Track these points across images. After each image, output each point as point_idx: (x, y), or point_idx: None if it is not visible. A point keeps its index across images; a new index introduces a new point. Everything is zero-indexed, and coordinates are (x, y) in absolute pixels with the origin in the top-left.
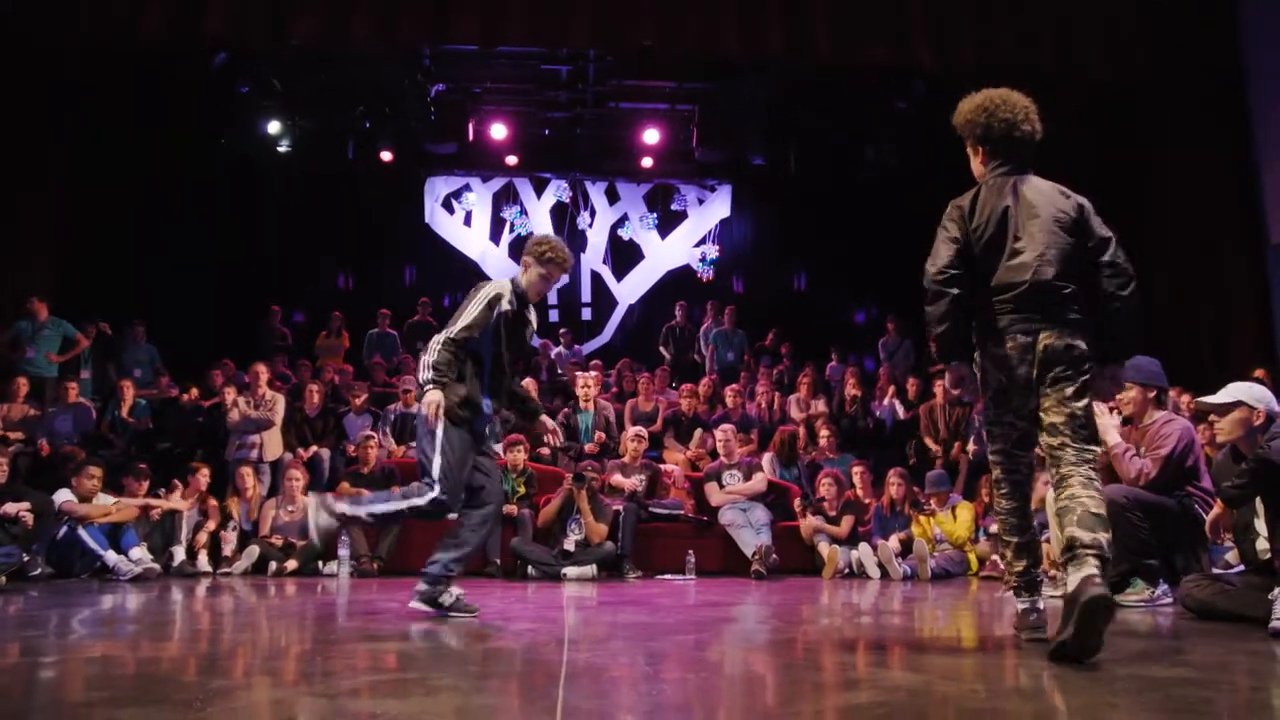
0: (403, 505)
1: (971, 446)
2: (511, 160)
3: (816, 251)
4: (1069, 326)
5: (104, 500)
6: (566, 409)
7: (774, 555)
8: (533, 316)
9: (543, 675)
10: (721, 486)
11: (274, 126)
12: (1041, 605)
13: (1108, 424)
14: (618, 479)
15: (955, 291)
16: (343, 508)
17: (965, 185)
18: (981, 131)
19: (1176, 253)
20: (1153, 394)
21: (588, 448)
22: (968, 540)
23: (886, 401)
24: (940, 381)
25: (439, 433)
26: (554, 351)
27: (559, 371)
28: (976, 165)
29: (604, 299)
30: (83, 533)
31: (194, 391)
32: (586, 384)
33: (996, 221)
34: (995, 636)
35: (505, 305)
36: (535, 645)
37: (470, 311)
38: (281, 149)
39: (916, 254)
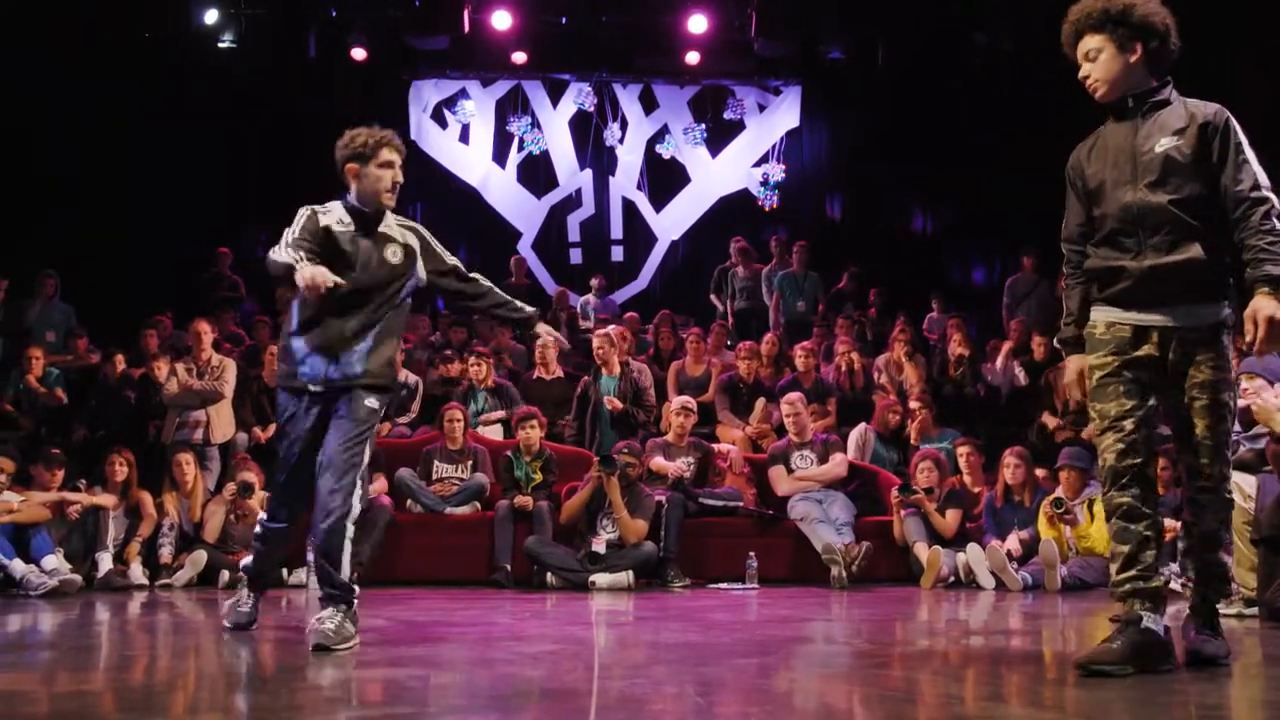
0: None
1: None
2: (519, 58)
3: (911, 169)
4: None
5: (7, 497)
6: (587, 376)
7: (867, 555)
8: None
9: (567, 708)
10: (790, 471)
11: (212, 16)
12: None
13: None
14: (659, 462)
15: None
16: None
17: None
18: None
19: None
20: None
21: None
22: (1108, 544)
23: (1001, 363)
24: None
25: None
26: (578, 301)
27: (584, 327)
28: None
29: (639, 234)
30: None
31: (120, 358)
32: (601, 345)
33: None
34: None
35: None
36: (557, 671)
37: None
38: (223, 45)
39: (1052, 168)
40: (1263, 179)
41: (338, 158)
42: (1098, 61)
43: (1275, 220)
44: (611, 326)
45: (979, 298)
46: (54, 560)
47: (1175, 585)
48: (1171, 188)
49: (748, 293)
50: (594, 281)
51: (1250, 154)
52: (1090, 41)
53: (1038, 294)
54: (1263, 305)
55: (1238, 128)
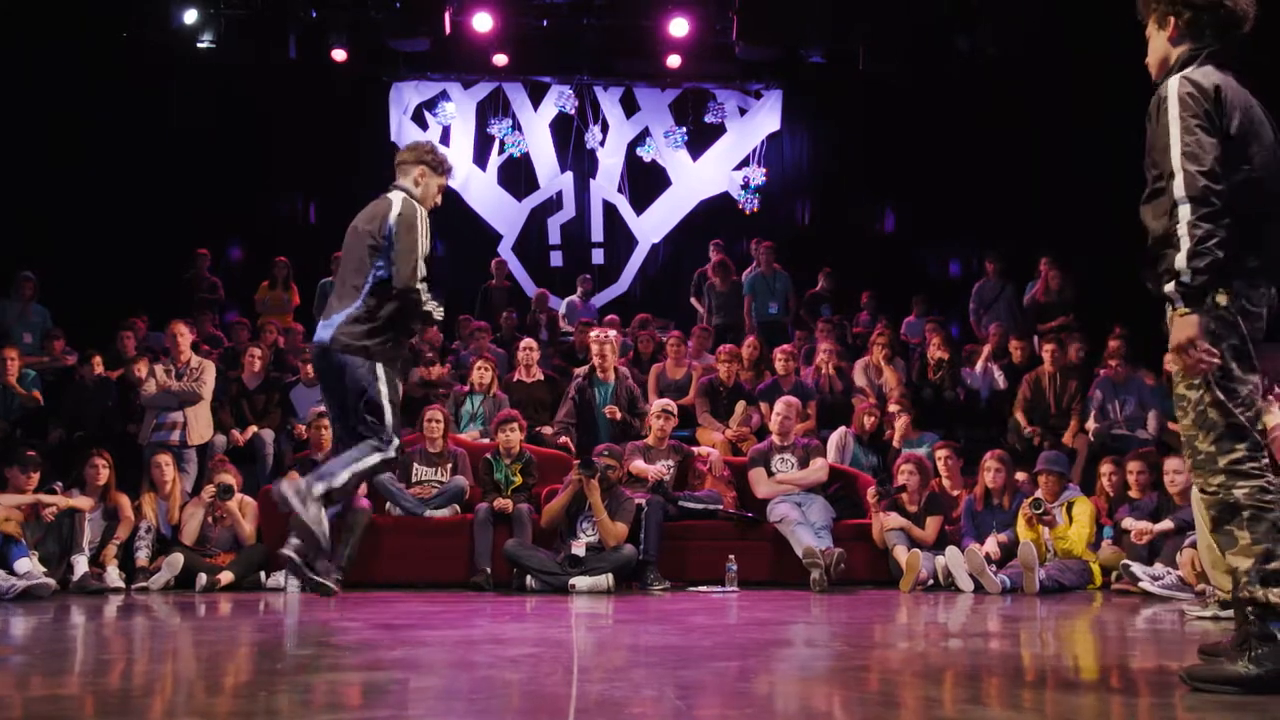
0: (372, 460)
1: (1091, 425)
2: (500, 60)
3: (892, 174)
4: None
5: None
6: (581, 379)
7: (841, 561)
8: None
9: (546, 712)
10: (771, 474)
11: (191, 16)
12: None
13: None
14: (639, 465)
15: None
16: (318, 486)
17: (1094, 80)
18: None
19: None
20: None
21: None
22: (1085, 546)
23: (980, 367)
24: (1049, 345)
25: (381, 374)
26: (559, 304)
27: (564, 329)
28: (1165, 46)
29: (620, 237)
30: None
31: (98, 359)
32: (602, 345)
33: (1256, 117)
34: (1128, 667)
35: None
36: (537, 675)
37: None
38: (202, 45)
39: (1029, 173)
40: (1174, 161)
41: (411, 156)
42: (1149, 44)
43: (1182, 208)
44: (611, 331)
45: (958, 300)
46: (28, 563)
47: (1149, 587)
48: (1149, 188)
49: (725, 308)
50: (580, 287)
51: (1174, 131)
52: (1148, 27)
53: (1005, 298)
54: (1172, 331)
55: (1174, 101)
